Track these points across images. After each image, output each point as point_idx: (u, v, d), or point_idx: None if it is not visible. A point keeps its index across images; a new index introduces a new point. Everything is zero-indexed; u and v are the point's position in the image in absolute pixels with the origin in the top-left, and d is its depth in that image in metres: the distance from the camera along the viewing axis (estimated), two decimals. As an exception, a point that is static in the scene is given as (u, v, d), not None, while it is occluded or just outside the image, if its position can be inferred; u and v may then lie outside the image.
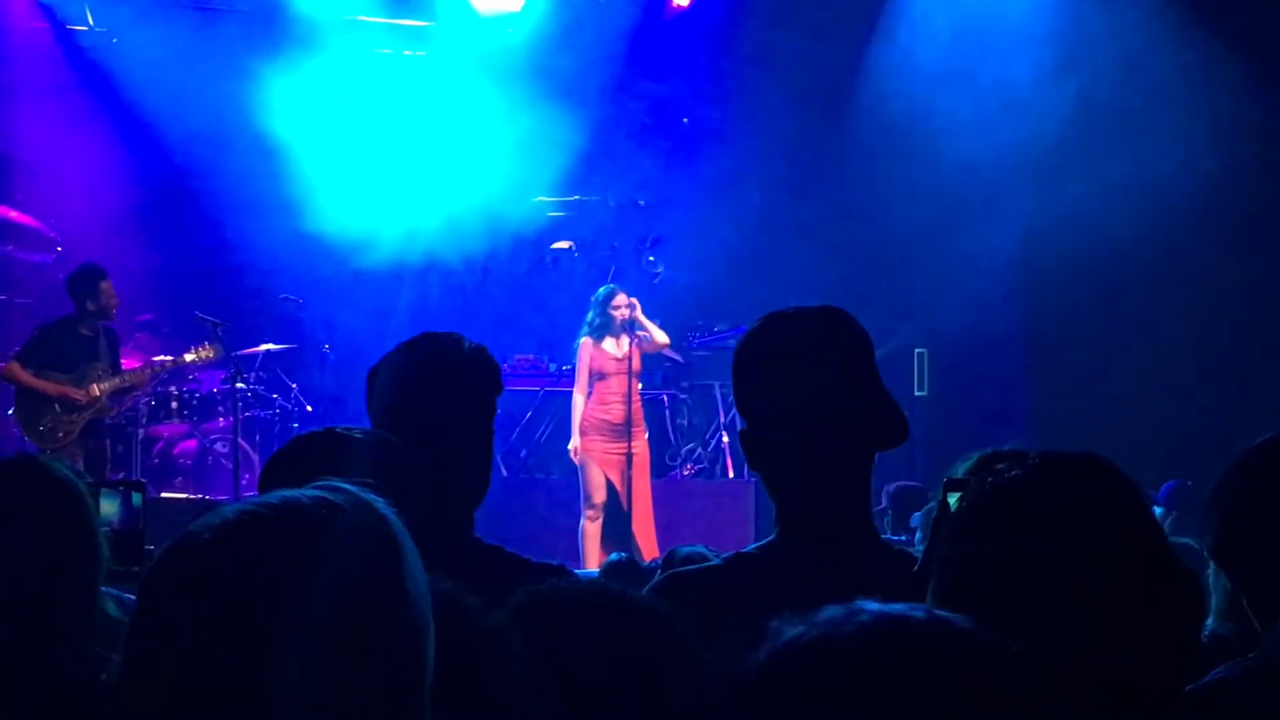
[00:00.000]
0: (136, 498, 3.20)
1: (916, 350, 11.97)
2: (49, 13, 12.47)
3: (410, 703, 1.42)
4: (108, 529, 3.04)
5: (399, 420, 2.92)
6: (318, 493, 1.42)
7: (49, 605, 2.54)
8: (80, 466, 7.38)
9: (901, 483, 8.83)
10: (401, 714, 1.41)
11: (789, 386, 2.49)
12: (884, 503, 8.66)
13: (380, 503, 1.45)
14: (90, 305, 9.80)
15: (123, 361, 10.22)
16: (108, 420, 10.22)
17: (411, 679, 1.42)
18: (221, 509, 1.42)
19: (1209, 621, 3.05)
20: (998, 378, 11.55)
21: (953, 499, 2.40)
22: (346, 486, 1.44)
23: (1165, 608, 1.62)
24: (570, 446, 10.46)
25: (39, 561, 2.53)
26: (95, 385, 9.78)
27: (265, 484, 2.90)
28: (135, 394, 10.66)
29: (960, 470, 3.31)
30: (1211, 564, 2.93)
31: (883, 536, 2.76)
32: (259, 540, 1.37)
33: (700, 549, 4.74)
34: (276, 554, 1.36)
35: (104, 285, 9.83)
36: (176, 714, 1.34)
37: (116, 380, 9.94)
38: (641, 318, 10.59)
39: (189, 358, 10.40)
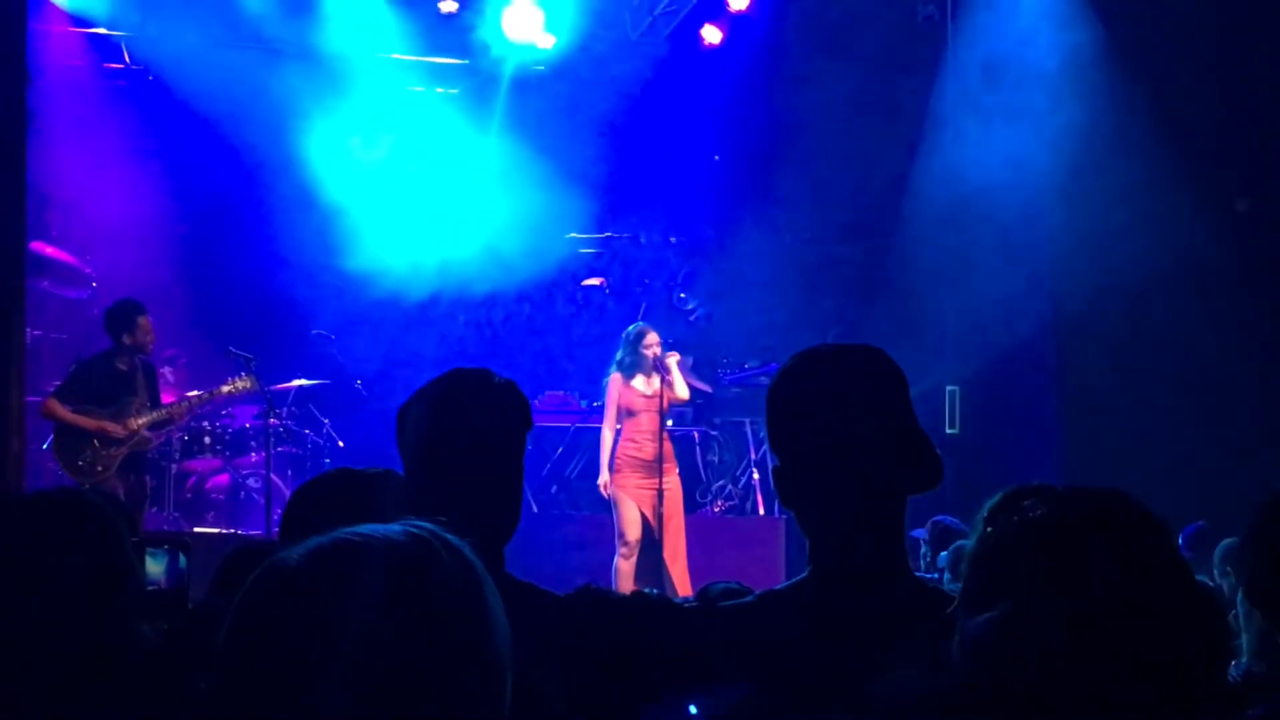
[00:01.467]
0: (183, 560, 3.21)
1: (948, 388, 11.93)
2: (86, 49, 12.60)
3: None
4: (155, 587, 3.07)
5: (428, 456, 2.92)
6: (406, 527, 1.43)
7: (89, 630, 2.57)
8: (121, 499, 7.43)
9: (947, 520, 8.73)
10: None
11: (823, 424, 2.48)
12: (925, 533, 8.61)
13: (464, 543, 1.45)
14: (127, 340, 9.85)
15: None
16: (147, 454, 10.28)
17: (492, 715, 1.42)
18: (311, 539, 1.42)
19: (1242, 660, 3.03)
20: (1029, 415, 11.51)
21: (984, 537, 2.41)
22: (428, 525, 1.44)
23: (1189, 643, 1.62)
24: (600, 482, 10.41)
25: (78, 589, 2.57)
26: (133, 419, 9.83)
27: (288, 521, 2.95)
28: (172, 427, 10.72)
29: (989, 508, 3.31)
30: (1244, 603, 2.92)
31: (917, 573, 2.76)
32: (352, 568, 1.37)
33: (734, 585, 4.72)
34: (369, 582, 1.36)
35: (142, 320, 9.89)
36: None
37: (154, 414, 9.99)
38: (672, 365, 10.48)
39: (225, 389, 10.42)
